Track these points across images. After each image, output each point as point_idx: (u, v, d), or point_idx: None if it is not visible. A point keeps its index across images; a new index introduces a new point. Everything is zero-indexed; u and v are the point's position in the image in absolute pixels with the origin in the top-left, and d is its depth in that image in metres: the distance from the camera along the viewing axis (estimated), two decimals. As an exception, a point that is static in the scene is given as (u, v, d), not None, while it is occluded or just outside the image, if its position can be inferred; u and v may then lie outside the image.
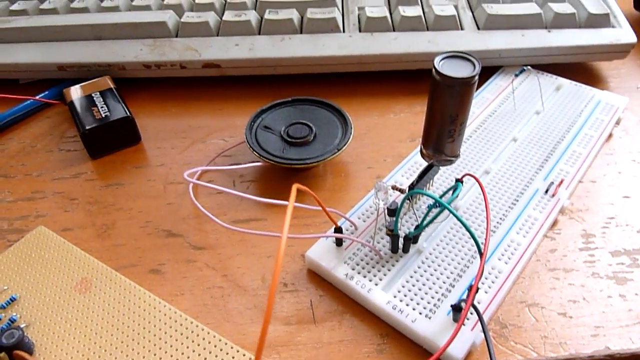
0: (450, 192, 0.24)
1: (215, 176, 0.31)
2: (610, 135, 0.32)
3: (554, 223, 0.27)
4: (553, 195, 0.27)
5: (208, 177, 0.31)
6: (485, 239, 0.19)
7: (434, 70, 0.22)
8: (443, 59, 0.22)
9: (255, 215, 0.28)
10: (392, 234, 0.23)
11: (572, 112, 0.33)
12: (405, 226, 0.26)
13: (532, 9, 0.37)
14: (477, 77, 0.22)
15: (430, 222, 0.20)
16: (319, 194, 0.29)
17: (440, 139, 0.23)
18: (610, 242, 0.26)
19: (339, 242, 0.25)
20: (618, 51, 0.36)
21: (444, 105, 0.22)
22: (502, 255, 0.24)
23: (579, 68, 0.38)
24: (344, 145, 0.29)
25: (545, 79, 0.36)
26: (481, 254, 0.19)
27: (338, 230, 0.24)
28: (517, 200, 0.27)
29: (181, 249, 0.27)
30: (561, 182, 0.28)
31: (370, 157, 0.32)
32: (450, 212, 0.19)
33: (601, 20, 0.37)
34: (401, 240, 0.24)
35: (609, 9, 0.38)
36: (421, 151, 0.25)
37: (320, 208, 0.23)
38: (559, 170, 0.29)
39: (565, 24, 0.37)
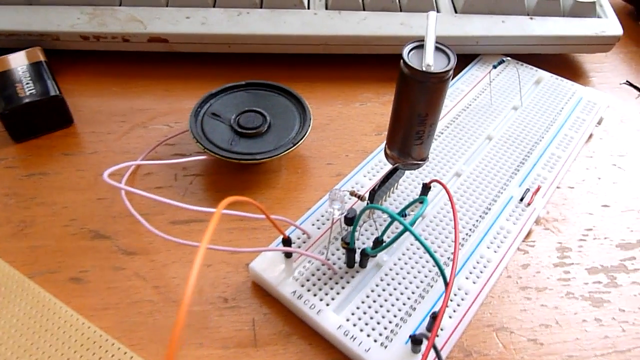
0: (415, 205, 0.21)
1: (154, 168, 0.27)
2: (590, 136, 0.30)
3: (528, 234, 0.25)
4: (528, 205, 0.25)
5: (146, 169, 0.27)
6: (452, 271, 0.16)
7: (402, 61, 0.19)
8: (413, 48, 0.19)
9: (196, 216, 0.25)
10: (348, 247, 0.20)
11: (552, 109, 0.30)
12: (365, 235, 0.23)
13: (514, -7, 0.34)
14: (451, 72, 0.19)
15: (393, 241, 0.17)
16: (271, 193, 0.26)
17: (407, 141, 0.20)
18: (587, 257, 0.24)
19: (288, 254, 0.22)
20: (602, 43, 0.34)
21: (412, 102, 0.19)
22: (470, 273, 0.22)
23: (559, 60, 0.36)
24: (301, 139, 0.26)
25: (525, 71, 0.33)
26: (446, 284, 0.16)
27: (286, 241, 0.21)
28: (489, 209, 0.24)
29: (109, 253, 0.23)
30: (538, 189, 0.25)
31: (331, 152, 0.28)
32: (415, 236, 0.16)
33: (587, 9, 0.34)
34: (358, 254, 0.21)
35: (595, -4, 0.35)
36: (385, 152, 0.22)
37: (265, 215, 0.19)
38: (535, 175, 0.26)
39: (548, 12, 0.34)
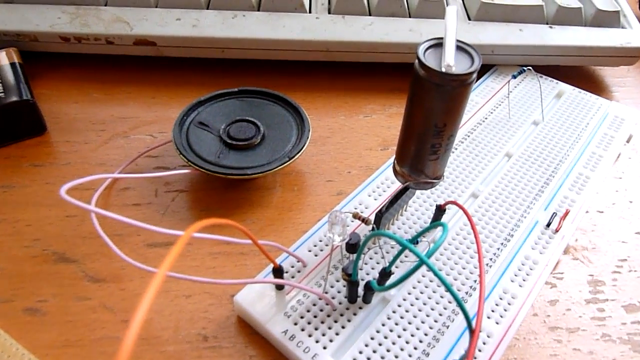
0: (431, 231, 0.18)
1: (132, 182, 0.24)
2: (618, 155, 0.27)
3: (555, 264, 0.22)
4: (557, 231, 0.22)
5: (124, 183, 0.24)
6: (478, 316, 0.13)
7: (417, 61, 0.16)
8: (430, 46, 0.16)
9: (177, 238, 0.22)
10: (350, 279, 0.17)
11: (576, 125, 0.27)
12: (370, 264, 0.20)
13: (533, -1, 0.31)
14: (475, 75, 0.16)
15: (406, 277, 0.14)
16: (262, 213, 0.23)
17: (420, 156, 0.18)
18: (623, 292, 0.21)
19: (279, 285, 0.18)
20: (627, 55, 0.31)
21: (428, 110, 0.16)
22: (493, 311, 0.19)
23: (578, 73, 0.33)
24: (298, 153, 0.23)
25: (544, 83, 0.30)
26: (472, 332, 0.13)
27: (277, 271, 0.18)
28: (512, 236, 0.21)
29: (73, 280, 0.20)
30: (566, 213, 0.22)
31: (332, 168, 0.26)
32: (436, 274, 0.13)
33: (610, 19, 0.32)
34: (361, 287, 0.18)
35: (619, 6, 0.32)
36: (394, 168, 0.19)
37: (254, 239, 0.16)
38: (562, 197, 0.23)
39: (569, 20, 0.31)
